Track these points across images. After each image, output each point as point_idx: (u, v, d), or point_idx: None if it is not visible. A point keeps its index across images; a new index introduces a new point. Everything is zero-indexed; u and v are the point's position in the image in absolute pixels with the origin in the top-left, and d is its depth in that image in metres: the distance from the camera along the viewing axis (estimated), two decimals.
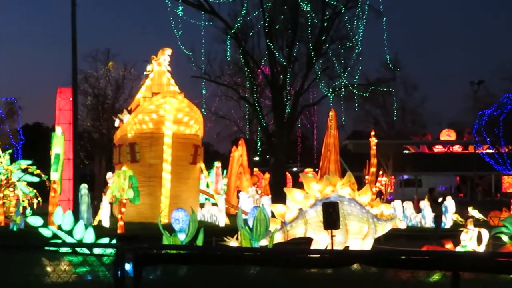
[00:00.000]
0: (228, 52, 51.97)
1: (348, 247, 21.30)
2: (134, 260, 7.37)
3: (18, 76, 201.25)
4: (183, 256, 8.70)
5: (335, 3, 49.16)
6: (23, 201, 35.90)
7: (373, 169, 51.46)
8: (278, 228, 20.53)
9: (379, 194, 51.02)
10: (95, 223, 32.91)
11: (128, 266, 8.05)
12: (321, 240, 21.19)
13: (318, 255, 10.93)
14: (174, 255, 9.15)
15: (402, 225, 25.98)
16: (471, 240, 21.99)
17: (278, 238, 20.48)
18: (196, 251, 9.14)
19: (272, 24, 49.23)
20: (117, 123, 39.91)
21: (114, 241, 20.19)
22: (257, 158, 74.55)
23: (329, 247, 19.86)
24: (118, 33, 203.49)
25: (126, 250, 7.20)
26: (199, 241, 19.75)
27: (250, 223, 19.97)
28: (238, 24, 48.89)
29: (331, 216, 19.75)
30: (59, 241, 20.61)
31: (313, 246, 21.37)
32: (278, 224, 20.65)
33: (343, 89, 50.83)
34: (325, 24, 49.13)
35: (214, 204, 38.02)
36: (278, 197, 36.46)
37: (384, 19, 50.53)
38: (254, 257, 9.54)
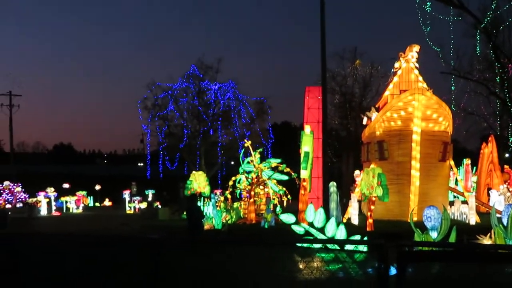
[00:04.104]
0: (477, 47, 50.74)
1: None
2: (397, 257, 7.38)
3: (267, 76, 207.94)
4: (448, 254, 8.59)
5: None
6: (273, 199, 37.05)
7: None
8: None
9: None
10: (344, 220, 33.32)
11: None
12: None
13: None
14: (440, 253, 9.08)
15: None
16: None
17: None
18: (463, 249, 8.96)
19: None
20: (365, 121, 40.16)
21: (365, 238, 20.40)
22: (507, 155, 72.14)
23: None
24: (365, 31, 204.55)
25: (389, 247, 7.23)
26: (452, 239, 19.53)
27: (504, 221, 19.53)
28: (488, 18, 47.59)
29: None
30: (311, 238, 21.11)
31: None
32: None
33: None
34: None
35: (464, 202, 37.29)
36: None
37: None
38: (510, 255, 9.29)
